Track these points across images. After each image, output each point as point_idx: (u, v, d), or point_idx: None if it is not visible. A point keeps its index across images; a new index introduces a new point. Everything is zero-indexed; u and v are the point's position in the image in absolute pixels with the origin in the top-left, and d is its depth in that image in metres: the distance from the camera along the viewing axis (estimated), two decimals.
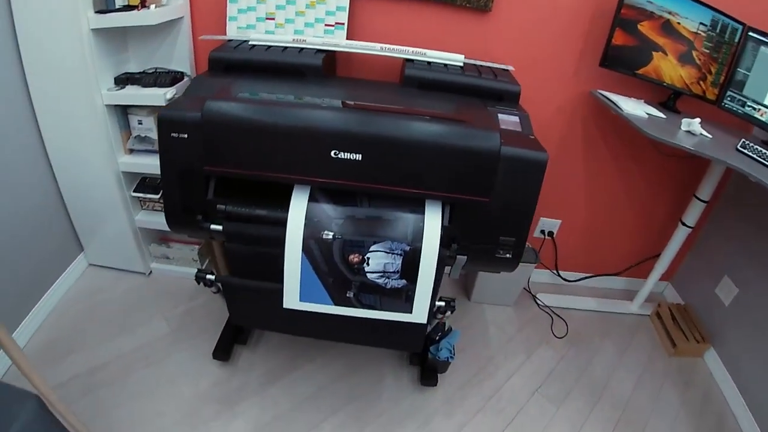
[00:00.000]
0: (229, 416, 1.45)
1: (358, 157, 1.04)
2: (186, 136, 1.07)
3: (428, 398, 1.57)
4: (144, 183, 1.77)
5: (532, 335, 1.89)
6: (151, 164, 1.65)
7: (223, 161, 1.08)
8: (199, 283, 1.24)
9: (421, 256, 1.11)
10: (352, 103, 1.12)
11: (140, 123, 1.63)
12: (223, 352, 1.58)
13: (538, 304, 2.05)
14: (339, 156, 1.04)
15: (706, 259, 1.98)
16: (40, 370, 1.46)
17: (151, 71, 1.60)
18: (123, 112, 1.62)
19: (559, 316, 1.99)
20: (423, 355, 1.55)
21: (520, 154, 1.08)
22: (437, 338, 1.52)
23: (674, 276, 2.17)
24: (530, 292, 2.09)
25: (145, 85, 1.52)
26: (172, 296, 1.86)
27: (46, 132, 1.59)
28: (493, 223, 1.15)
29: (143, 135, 1.65)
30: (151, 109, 1.59)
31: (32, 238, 1.62)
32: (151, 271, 1.97)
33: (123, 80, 1.54)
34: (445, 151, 1.06)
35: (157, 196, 1.73)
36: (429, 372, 1.58)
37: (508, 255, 1.19)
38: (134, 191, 1.75)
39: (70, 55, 1.40)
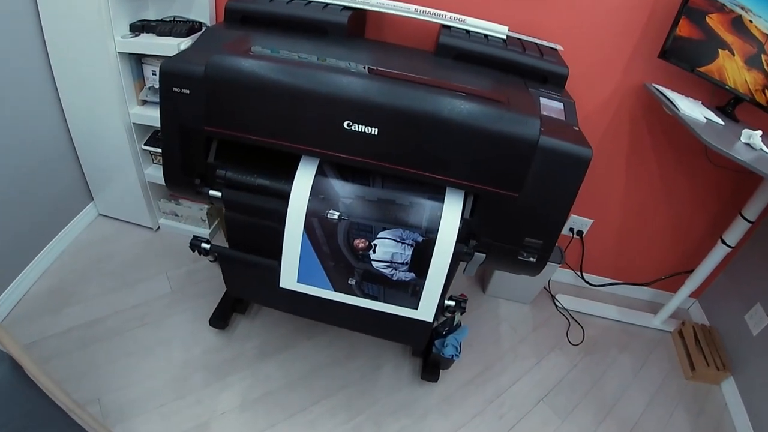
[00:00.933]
0: (218, 387, 1.40)
1: (374, 131, 0.93)
2: (188, 91, 0.98)
3: (426, 393, 1.49)
4: (155, 137, 1.70)
5: (545, 338, 1.78)
6: None
7: (225, 123, 0.98)
8: (194, 251, 1.16)
9: (435, 250, 1.00)
10: (371, 68, 0.99)
11: (154, 74, 1.55)
12: (220, 319, 1.53)
13: (556, 306, 1.93)
14: (352, 128, 0.92)
15: (740, 282, 1.81)
16: (39, 318, 1.49)
17: (168, 20, 1.51)
18: (137, 61, 1.54)
19: (576, 321, 1.87)
20: (427, 347, 1.46)
21: (561, 147, 0.95)
22: (444, 333, 1.42)
23: (703, 294, 2.01)
24: (550, 292, 1.97)
25: (160, 34, 1.43)
26: (177, 255, 1.82)
27: (59, 78, 1.53)
28: (520, 221, 1.03)
29: (156, 86, 1.56)
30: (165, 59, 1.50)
31: (42, 183, 1.59)
32: (159, 227, 1.93)
33: (139, 27, 1.45)
34: (474, 133, 0.93)
35: None
36: (431, 367, 1.50)
37: (532, 259, 1.07)
38: (145, 144, 1.68)
39: None
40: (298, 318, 1.62)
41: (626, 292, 2.05)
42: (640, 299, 2.06)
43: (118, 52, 1.43)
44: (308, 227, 1.00)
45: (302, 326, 1.61)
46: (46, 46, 1.45)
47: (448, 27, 1.21)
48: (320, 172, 1.01)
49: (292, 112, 0.94)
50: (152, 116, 1.58)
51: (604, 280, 2.04)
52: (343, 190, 1.00)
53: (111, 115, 1.55)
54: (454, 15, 1.21)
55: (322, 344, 1.57)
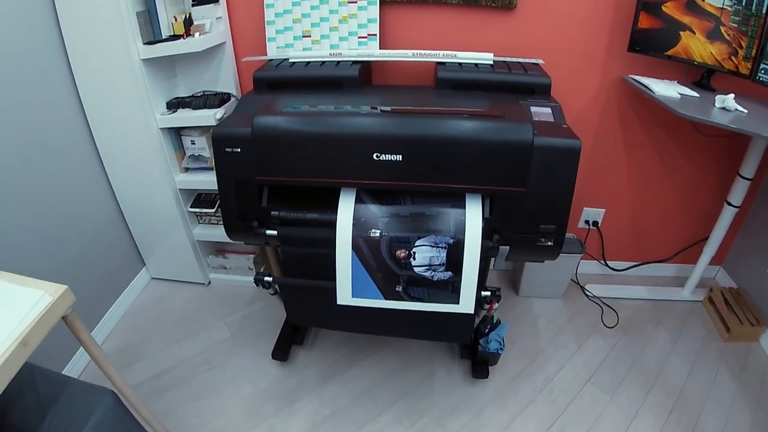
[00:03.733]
0: (288, 412, 1.53)
1: (399, 157, 1.11)
2: (239, 150, 1.17)
3: (480, 391, 1.60)
4: (199, 198, 1.90)
5: (582, 326, 1.89)
6: (205, 180, 1.77)
7: (274, 171, 1.17)
8: (258, 285, 1.33)
9: (465, 248, 1.16)
10: (389, 108, 1.18)
11: (193, 143, 1.76)
12: (281, 352, 1.68)
13: (587, 295, 2.03)
14: (381, 158, 1.11)
15: (757, 240, 1.90)
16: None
17: (199, 94, 1.73)
18: (176, 134, 1.76)
19: (609, 306, 1.97)
20: (473, 348, 1.58)
21: (554, 143, 1.11)
22: (486, 331, 1.55)
23: (725, 260, 2.10)
24: (578, 284, 2.07)
25: (195, 108, 1.64)
26: (230, 303, 1.98)
27: (106, 160, 1.75)
28: (533, 212, 1.18)
29: (197, 154, 1.78)
30: (202, 129, 1.72)
31: (98, 256, 1.77)
32: (209, 281, 2.11)
33: (174, 104, 1.67)
34: (480, 145, 1.10)
35: (213, 210, 1.86)
36: (480, 364, 1.61)
37: (549, 243, 1.22)
38: (191, 207, 1.88)
39: (125, 85, 1.54)
40: (351, 342, 1.76)
41: (650, 271, 2.15)
42: (665, 276, 2.15)
43: (160, 128, 1.65)
44: (356, 247, 1.17)
45: (356, 349, 1.74)
46: (91, 132, 1.67)
47: (443, 63, 1.41)
48: (358, 200, 1.19)
49: (328, 154, 1.13)
50: (195, 180, 1.79)
51: (627, 263, 2.14)
52: (380, 211, 1.18)
53: (159, 184, 1.76)
54: (445, 52, 1.42)
55: (376, 361, 1.70)
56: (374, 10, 1.48)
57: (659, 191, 1.93)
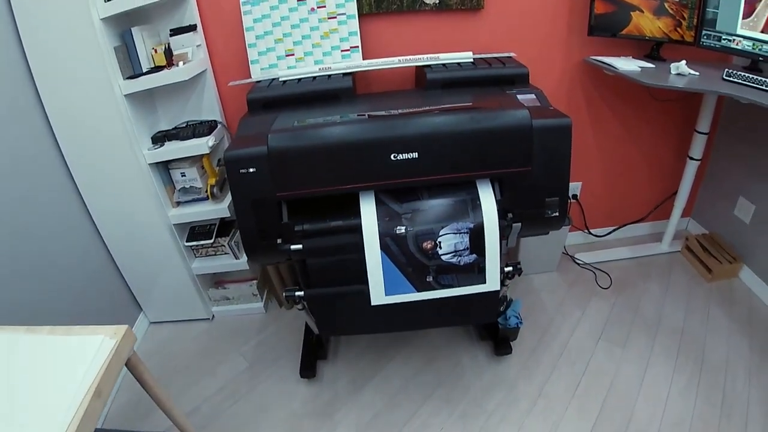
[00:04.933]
0: (330, 425, 1.53)
1: (415, 155, 1.17)
2: (254, 169, 1.19)
3: (506, 367, 1.67)
4: (194, 231, 1.87)
5: (580, 292, 2.01)
6: (198, 212, 1.75)
7: (293, 185, 1.20)
8: (288, 302, 1.34)
9: (485, 230, 1.23)
10: (398, 112, 1.24)
11: (183, 175, 1.74)
12: (308, 369, 1.68)
13: (578, 264, 2.17)
14: (398, 158, 1.17)
15: (719, 186, 2.12)
16: (131, 427, 1.50)
17: (183, 125, 1.71)
18: (164, 168, 1.72)
19: (600, 269, 2.12)
20: (493, 328, 1.66)
21: (549, 123, 1.23)
22: (503, 309, 1.63)
23: (694, 210, 2.31)
24: (569, 254, 2.21)
25: (184, 138, 1.62)
26: (240, 333, 1.95)
27: (91, 206, 1.68)
28: (538, 187, 1.28)
29: (188, 186, 1.76)
30: (192, 159, 1.70)
31: (90, 308, 1.68)
32: (213, 315, 2.06)
33: (160, 138, 1.65)
34: (485, 134, 1.19)
35: (211, 241, 1.83)
36: (502, 342, 1.69)
37: (555, 213, 1.32)
38: (187, 241, 1.84)
39: (109, 124, 1.50)
40: (373, 347, 1.79)
41: (629, 232, 2.33)
42: (643, 234, 2.34)
43: (149, 164, 1.61)
44: (384, 247, 1.21)
45: (379, 353, 1.77)
46: (72, 177, 1.61)
47: (429, 66, 1.49)
48: (378, 202, 1.23)
49: (345, 161, 1.18)
50: (188, 213, 1.76)
51: (608, 229, 2.31)
52: (401, 208, 1.23)
53: (151, 223, 1.71)
54: (429, 55, 1.50)
55: (402, 361, 1.73)
56: (354, 23, 1.54)
57: (626, 157, 2.10)
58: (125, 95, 1.49)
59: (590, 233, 2.28)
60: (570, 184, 2.08)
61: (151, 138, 1.66)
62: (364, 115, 1.25)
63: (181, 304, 1.98)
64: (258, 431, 1.53)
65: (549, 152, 1.24)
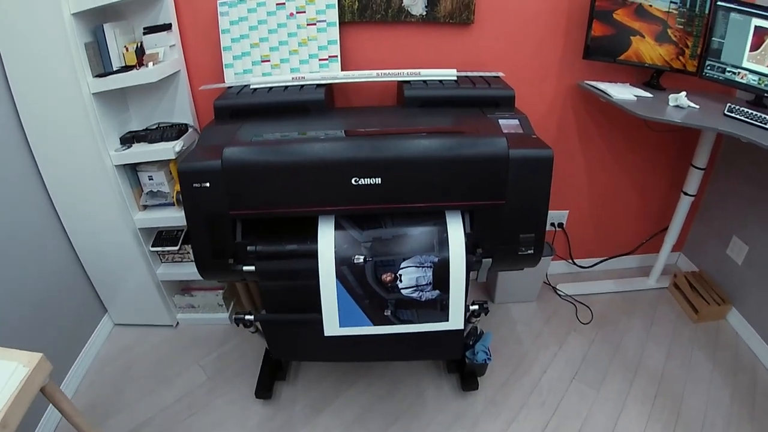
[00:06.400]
0: None
1: (378, 180, 1.09)
2: (208, 184, 1.12)
3: (472, 402, 1.59)
4: (161, 236, 1.80)
5: (559, 326, 1.93)
6: (166, 217, 1.68)
7: (247, 204, 1.13)
8: (238, 325, 1.27)
9: (450, 265, 1.15)
10: (363, 130, 1.17)
11: (151, 179, 1.67)
12: (265, 389, 1.60)
13: (559, 295, 2.09)
14: (360, 182, 1.09)
15: (713, 223, 2.03)
16: None
17: (154, 127, 1.64)
18: (132, 170, 1.66)
19: (581, 303, 2.03)
20: (460, 361, 1.58)
21: (527, 154, 1.14)
22: (471, 343, 1.55)
23: (685, 245, 2.22)
24: (550, 285, 2.13)
25: (151, 141, 1.55)
26: (203, 343, 1.88)
27: (58, 202, 1.62)
28: (512, 222, 1.20)
29: (155, 190, 1.69)
30: (160, 163, 1.63)
31: (55, 306, 1.64)
32: (178, 323, 1.99)
33: (128, 139, 1.58)
34: (457, 162, 1.11)
35: (176, 248, 1.76)
36: (469, 376, 1.61)
37: (530, 251, 1.24)
38: (152, 246, 1.78)
39: (75, 122, 1.44)
40: (336, 370, 1.71)
41: (616, 264, 2.24)
42: (630, 267, 2.25)
43: (115, 165, 1.55)
44: (340, 275, 1.14)
45: (340, 377, 1.69)
46: (40, 173, 1.54)
47: (408, 81, 1.41)
48: (338, 227, 1.16)
49: (304, 182, 1.10)
50: (155, 218, 1.69)
51: (594, 260, 2.22)
52: (361, 236, 1.15)
53: (116, 225, 1.65)
54: (410, 70, 1.42)
55: (363, 387, 1.66)
56: (334, 32, 1.46)
57: (618, 188, 2.02)
58: (93, 93, 1.43)
59: (574, 263, 2.20)
60: (556, 212, 2.06)
61: (120, 138, 1.59)
62: (331, 133, 1.17)
63: (145, 309, 1.92)
64: None
65: (526, 185, 1.16)
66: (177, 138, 1.56)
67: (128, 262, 1.76)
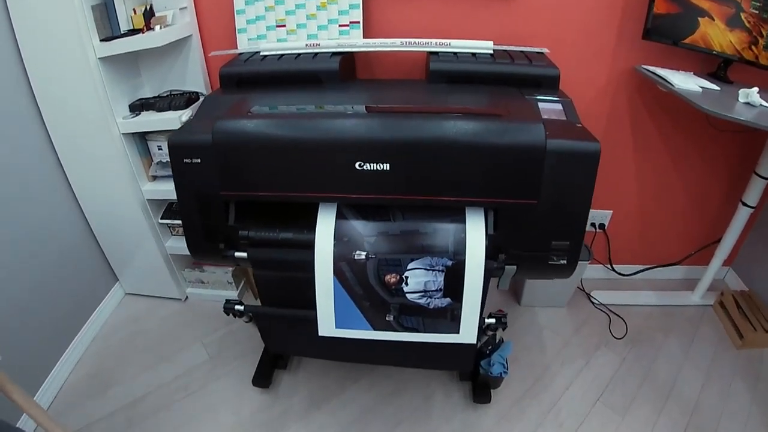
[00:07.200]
0: None
1: (386, 166, 0.94)
2: (199, 160, 1.01)
3: (482, 416, 1.46)
4: (171, 209, 1.74)
5: (589, 337, 1.75)
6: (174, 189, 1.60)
7: (240, 185, 1.01)
8: (228, 315, 1.17)
9: (466, 271, 1.00)
10: (373, 106, 1.01)
11: (160, 149, 1.60)
12: (262, 378, 1.52)
13: (593, 303, 1.89)
14: (364, 168, 0.94)
15: None
16: (83, 404, 1.50)
17: (165, 94, 1.56)
18: (142, 139, 1.58)
19: (616, 314, 1.84)
20: (474, 370, 1.44)
21: (568, 146, 0.96)
22: (488, 352, 1.40)
23: (736, 260, 1.97)
24: (584, 291, 1.93)
25: (159, 110, 1.48)
26: (209, 320, 1.82)
27: (69, 169, 1.58)
28: (544, 226, 1.03)
29: (165, 160, 1.61)
30: (169, 133, 1.54)
31: (67, 273, 1.63)
32: (187, 297, 1.95)
33: (138, 107, 1.50)
34: (482, 150, 0.94)
35: None
36: (481, 388, 1.47)
37: (563, 261, 1.06)
38: (162, 218, 1.71)
39: (82, 87, 1.37)
40: (340, 364, 1.61)
41: (659, 275, 2.01)
42: (674, 279, 2.02)
43: (123, 134, 1.48)
44: (338, 272, 1.01)
45: (345, 372, 1.59)
46: (51, 140, 1.50)
47: (436, 53, 1.24)
48: (340, 216, 1.02)
49: (302, 163, 0.96)
50: (164, 190, 1.62)
51: (635, 267, 2.00)
52: (365, 229, 1.01)
53: (124, 195, 1.59)
54: (439, 40, 1.25)
55: (367, 385, 1.55)
56: None
57: (669, 190, 1.78)
58: (99, 58, 1.35)
59: (613, 270, 1.99)
60: (598, 212, 1.85)
61: (129, 106, 1.51)
62: (338, 107, 1.03)
63: (154, 280, 1.88)
64: None
65: (565, 183, 0.98)
66: (185, 107, 1.47)
67: (137, 234, 1.71)
